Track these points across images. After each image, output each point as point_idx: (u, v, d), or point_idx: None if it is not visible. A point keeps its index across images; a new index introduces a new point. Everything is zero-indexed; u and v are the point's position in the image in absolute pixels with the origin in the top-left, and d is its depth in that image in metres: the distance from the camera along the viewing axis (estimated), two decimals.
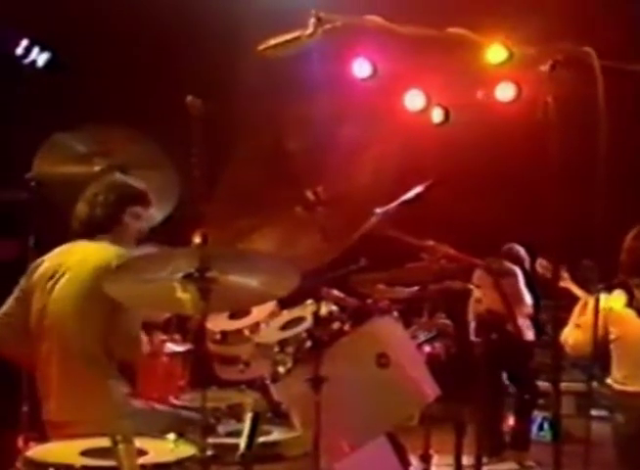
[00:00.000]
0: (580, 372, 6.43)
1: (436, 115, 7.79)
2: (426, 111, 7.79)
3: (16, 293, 3.35)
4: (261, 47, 2.69)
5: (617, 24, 6.01)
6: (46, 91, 6.50)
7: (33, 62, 6.79)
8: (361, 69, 7.49)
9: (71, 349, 3.13)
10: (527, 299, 6.29)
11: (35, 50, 6.78)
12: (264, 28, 2.80)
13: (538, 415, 6.79)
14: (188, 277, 2.44)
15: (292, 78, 5.74)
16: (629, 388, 4.29)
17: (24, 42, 6.73)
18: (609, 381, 4.45)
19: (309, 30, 2.63)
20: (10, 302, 3.35)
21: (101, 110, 5.45)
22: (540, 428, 6.79)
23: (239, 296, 2.62)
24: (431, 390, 3.07)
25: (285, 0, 5.39)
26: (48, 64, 6.84)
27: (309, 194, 2.92)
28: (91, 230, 3.30)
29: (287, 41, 2.67)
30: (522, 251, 6.56)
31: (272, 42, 2.68)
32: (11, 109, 6.51)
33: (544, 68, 2.38)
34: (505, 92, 7.48)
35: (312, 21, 2.63)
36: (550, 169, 2.32)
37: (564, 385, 5.70)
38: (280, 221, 3.00)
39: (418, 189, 3.54)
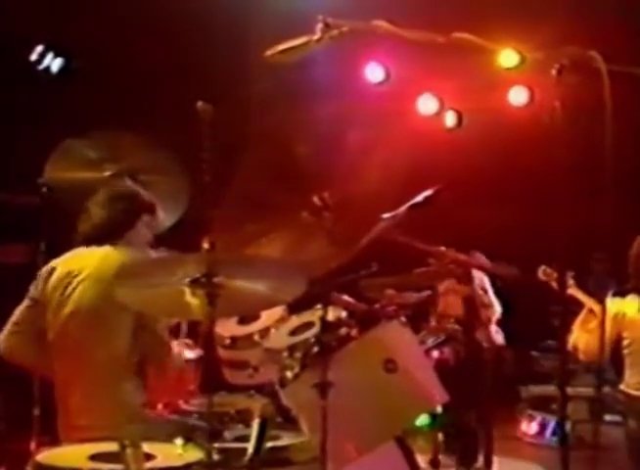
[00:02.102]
0: (594, 377, 6.38)
1: (449, 119, 7.77)
2: (439, 115, 7.77)
3: (26, 301, 3.35)
4: (269, 53, 2.70)
5: (626, 29, 5.98)
6: (59, 97, 6.54)
7: (47, 67, 6.82)
8: (374, 73, 7.47)
9: (95, 354, 3.14)
10: (497, 305, 6.14)
11: (49, 56, 6.81)
12: (275, 34, 2.81)
13: (551, 420, 6.74)
14: (195, 282, 2.46)
15: (303, 84, 5.75)
16: None
17: (39, 48, 6.76)
18: (622, 386, 4.43)
19: (317, 36, 2.63)
20: (21, 310, 3.34)
21: (112, 115, 5.48)
22: (554, 433, 6.74)
23: (246, 301, 2.63)
24: (439, 395, 3.06)
25: (295, 5, 5.42)
26: (62, 70, 6.86)
27: (316, 199, 2.92)
28: (104, 234, 3.29)
29: (294, 47, 2.67)
30: (482, 258, 6.11)
31: (280, 48, 2.69)
32: (24, 114, 6.55)
33: (555, 72, 2.37)
34: (518, 96, 7.46)
35: (320, 26, 2.63)
36: (559, 174, 2.31)
37: (577, 390, 5.68)
38: (287, 227, 3.00)
39: (427, 193, 3.53)
